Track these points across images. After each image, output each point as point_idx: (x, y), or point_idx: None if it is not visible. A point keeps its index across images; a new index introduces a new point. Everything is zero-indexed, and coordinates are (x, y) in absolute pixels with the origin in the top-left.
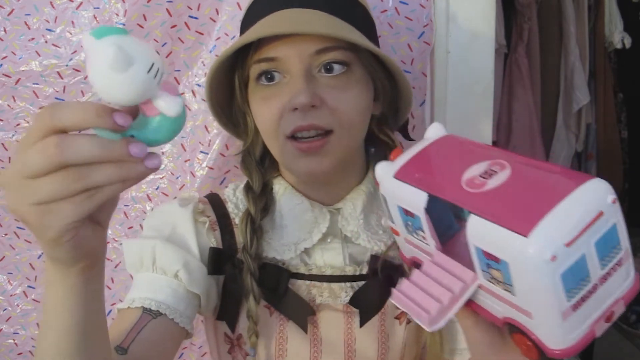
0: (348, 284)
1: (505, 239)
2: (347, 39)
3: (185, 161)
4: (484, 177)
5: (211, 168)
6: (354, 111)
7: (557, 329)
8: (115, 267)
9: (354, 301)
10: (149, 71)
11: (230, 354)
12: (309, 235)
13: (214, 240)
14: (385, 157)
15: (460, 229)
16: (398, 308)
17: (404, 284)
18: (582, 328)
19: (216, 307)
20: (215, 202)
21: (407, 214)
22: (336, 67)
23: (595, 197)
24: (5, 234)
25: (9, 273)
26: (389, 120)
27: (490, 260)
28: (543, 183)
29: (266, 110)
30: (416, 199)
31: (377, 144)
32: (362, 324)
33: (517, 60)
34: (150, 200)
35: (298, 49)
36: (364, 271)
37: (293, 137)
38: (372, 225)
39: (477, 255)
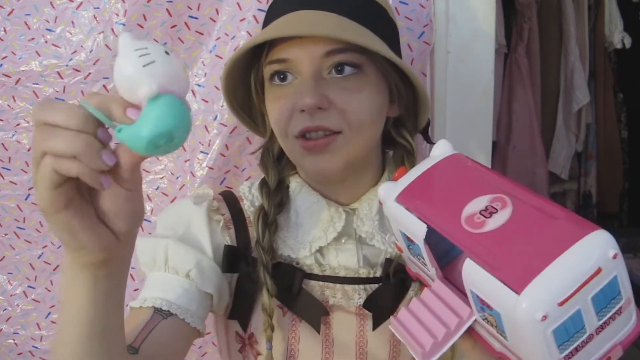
0: (362, 286)
1: (498, 291)
2: (351, 41)
3: (185, 161)
4: (484, 215)
5: (211, 168)
6: (364, 112)
7: None
8: None
9: (367, 304)
10: (140, 56)
11: (241, 353)
12: (324, 234)
13: (228, 238)
14: (402, 160)
15: (461, 252)
16: None
17: (402, 313)
18: None
19: (228, 305)
20: (230, 200)
21: (408, 239)
22: (347, 68)
23: (594, 252)
24: (5, 234)
25: (9, 273)
26: (407, 122)
27: (484, 305)
28: (543, 231)
29: (277, 110)
30: (416, 229)
31: (395, 146)
32: (374, 327)
33: (517, 60)
34: (150, 200)
35: (308, 50)
36: (378, 274)
37: (302, 136)
38: (387, 226)
39: (472, 297)
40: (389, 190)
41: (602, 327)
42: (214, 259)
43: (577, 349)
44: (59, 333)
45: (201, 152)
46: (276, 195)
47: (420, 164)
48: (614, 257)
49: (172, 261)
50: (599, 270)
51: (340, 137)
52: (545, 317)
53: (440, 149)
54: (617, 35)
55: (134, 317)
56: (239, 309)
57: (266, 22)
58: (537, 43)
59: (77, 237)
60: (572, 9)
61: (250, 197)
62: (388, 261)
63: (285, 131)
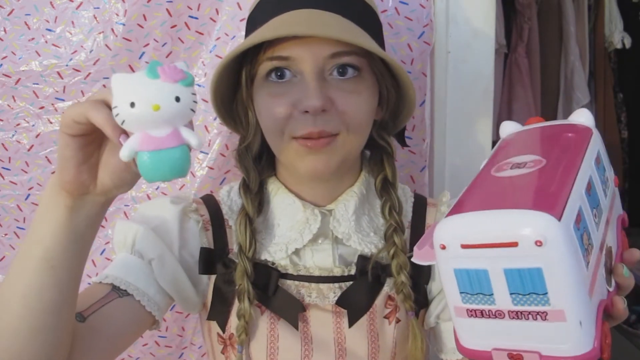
0: (336, 285)
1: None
2: (365, 46)
3: None
4: (512, 167)
5: (211, 168)
6: (362, 115)
7: (455, 322)
8: None
9: (341, 301)
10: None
11: (223, 354)
12: (300, 236)
13: (205, 240)
14: (382, 162)
15: None
16: (387, 307)
17: None
18: (479, 342)
19: (205, 306)
20: (210, 203)
21: None
22: (349, 70)
23: (519, 227)
24: (5, 234)
25: None
26: (388, 126)
27: None
28: (518, 190)
29: (273, 107)
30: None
31: (373, 148)
32: (350, 324)
33: (517, 60)
34: (150, 200)
35: (313, 50)
36: (352, 272)
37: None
38: (364, 227)
39: None
40: (509, 127)
41: (517, 315)
42: (178, 259)
43: (482, 313)
44: (16, 259)
45: (201, 152)
46: (257, 198)
47: (554, 122)
48: (537, 243)
49: (139, 245)
50: (513, 244)
51: (338, 138)
52: (443, 247)
53: (576, 117)
54: (617, 35)
55: (90, 290)
56: (217, 310)
57: (261, 18)
58: (537, 43)
59: (67, 160)
60: (572, 9)
61: (229, 202)
62: (361, 258)
63: (281, 130)
